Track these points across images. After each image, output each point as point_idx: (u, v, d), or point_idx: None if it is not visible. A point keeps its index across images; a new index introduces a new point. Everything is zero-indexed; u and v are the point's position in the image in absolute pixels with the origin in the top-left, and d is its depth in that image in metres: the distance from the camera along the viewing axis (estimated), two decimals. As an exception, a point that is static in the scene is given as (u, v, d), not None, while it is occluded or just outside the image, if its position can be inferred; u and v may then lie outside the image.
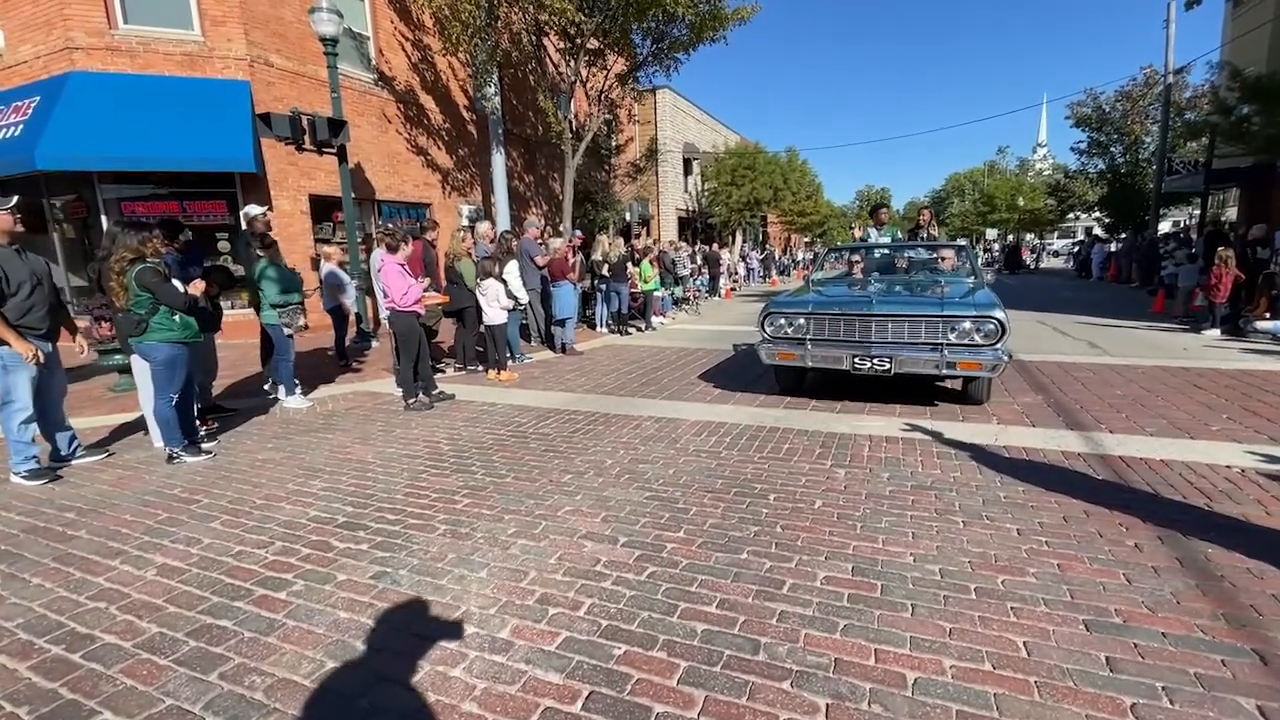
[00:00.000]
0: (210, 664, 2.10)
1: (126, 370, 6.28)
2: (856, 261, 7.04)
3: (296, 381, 6.29)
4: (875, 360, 4.71)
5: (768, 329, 5.30)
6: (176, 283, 4.22)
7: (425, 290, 5.86)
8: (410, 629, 2.27)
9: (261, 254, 5.57)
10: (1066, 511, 3.09)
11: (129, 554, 2.94)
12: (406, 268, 5.65)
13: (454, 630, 2.25)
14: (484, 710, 1.86)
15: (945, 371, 4.62)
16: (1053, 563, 2.60)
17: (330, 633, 2.27)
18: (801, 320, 5.16)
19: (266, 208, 6.30)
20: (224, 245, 9.96)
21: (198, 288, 4.37)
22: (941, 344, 4.65)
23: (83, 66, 8.89)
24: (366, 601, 2.47)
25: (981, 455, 3.95)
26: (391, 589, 2.56)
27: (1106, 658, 1.99)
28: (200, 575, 2.72)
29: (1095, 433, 4.33)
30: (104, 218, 9.46)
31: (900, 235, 8.38)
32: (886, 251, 7.42)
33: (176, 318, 4.17)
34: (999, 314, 4.57)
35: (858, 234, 8.94)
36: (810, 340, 5.07)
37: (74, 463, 4.30)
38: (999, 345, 4.58)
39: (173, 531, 3.18)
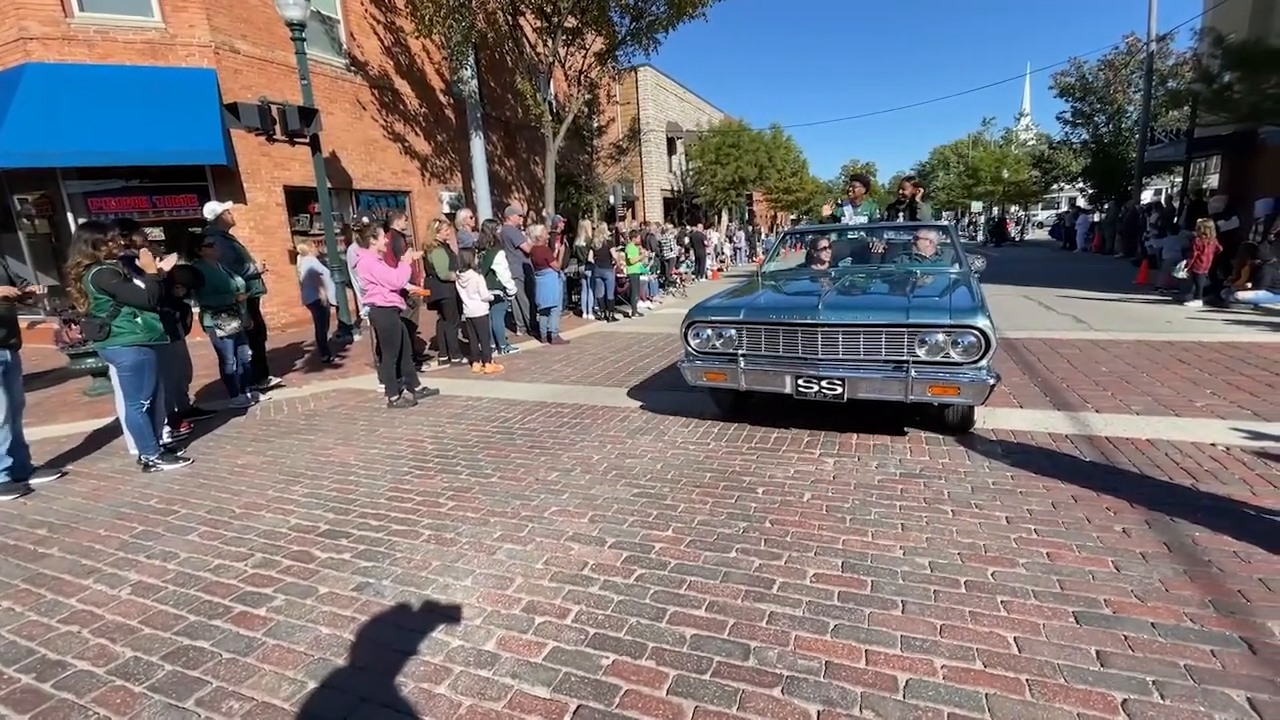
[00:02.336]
0: (187, 689, 2.04)
1: (100, 374, 6.14)
2: (824, 247, 5.80)
3: (267, 384, 6.20)
4: (824, 383, 3.80)
5: (692, 342, 4.31)
6: (138, 281, 4.06)
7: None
8: (394, 644, 2.22)
9: (199, 254, 5.36)
10: (1055, 497, 3.08)
11: (103, 572, 2.86)
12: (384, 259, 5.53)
13: (438, 644, 2.21)
14: (469, 730, 1.82)
15: (913, 398, 3.62)
16: (1042, 552, 2.59)
17: (311, 650, 2.21)
18: (733, 331, 4.15)
19: (228, 204, 6.13)
20: (197, 240, 9.70)
21: (149, 264, 4.16)
22: (907, 361, 3.67)
23: (39, 58, 8.52)
24: (349, 615, 2.41)
25: (969, 439, 3.95)
26: (375, 601, 2.50)
27: (1097, 651, 1.98)
28: (177, 593, 2.65)
29: (1082, 413, 4.34)
30: (70, 214, 9.17)
31: (879, 213, 6.97)
32: (860, 234, 6.17)
33: (139, 319, 4.03)
34: (981, 322, 3.53)
35: (827, 212, 7.28)
36: (744, 356, 4.08)
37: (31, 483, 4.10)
38: (982, 363, 3.58)
39: (149, 546, 3.09)
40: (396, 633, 2.29)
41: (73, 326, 5.82)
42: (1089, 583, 2.35)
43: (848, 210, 6.79)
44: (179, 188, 9.48)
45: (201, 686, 2.05)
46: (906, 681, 1.90)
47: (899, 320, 3.69)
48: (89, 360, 6.00)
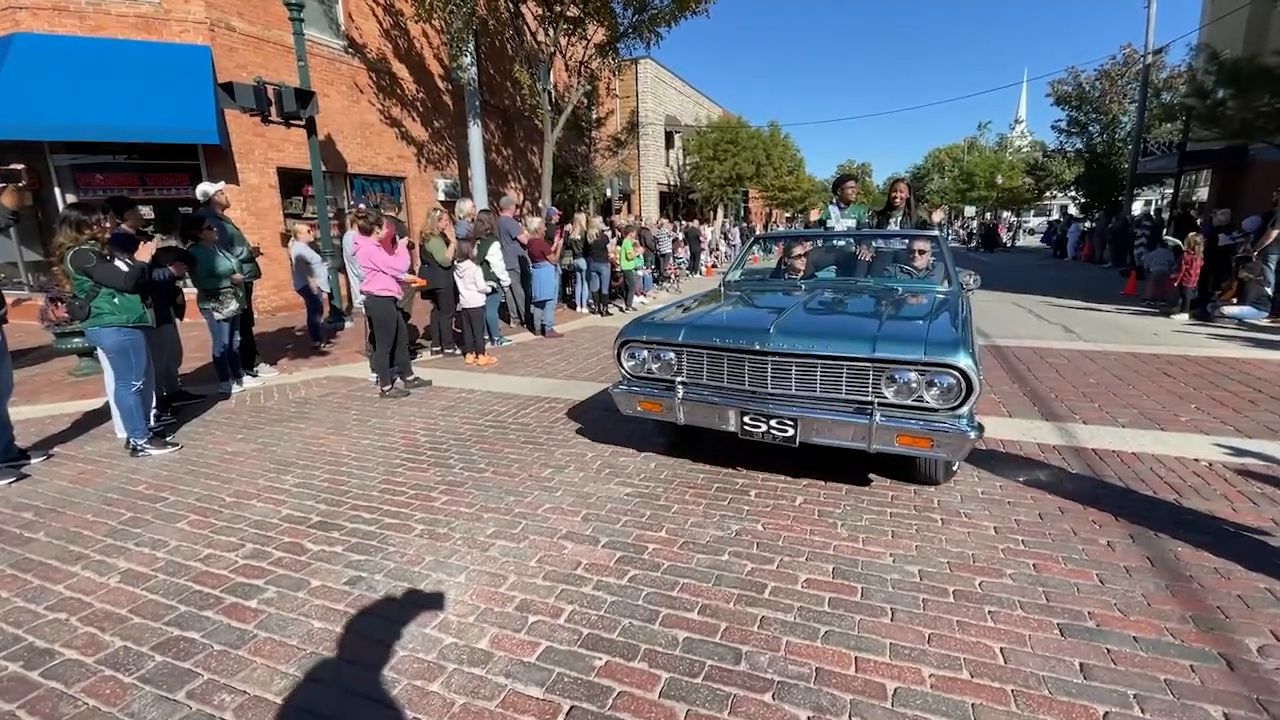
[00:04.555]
0: (178, 681, 2.04)
1: (86, 353, 6.05)
2: (799, 255, 5.14)
3: (257, 369, 6.14)
4: (773, 423, 3.17)
5: (626, 364, 3.70)
6: (120, 263, 3.99)
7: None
8: (386, 640, 2.23)
9: (193, 238, 5.29)
10: (1042, 508, 3.13)
11: (91, 559, 2.83)
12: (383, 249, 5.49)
13: (431, 641, 2.21)
14: (463, 729, 1.83)
15: (877, 447, 2.98)
16: (1029, 563, 2.63)
17: (303, 644, 2.21)
18: (671, 354, 3.52)
19: (220, 184, 6.04)
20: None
21: (146, 251, 4.14)
22: (871, 403, 3.04)
23: (28, 28, 8.34)
24: (341, 610, 2.41)
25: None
26: (367, 595, 2.50)
27: (1080, 664, 2.02)
28: (167, 582, 2.63)
29: (1070, 424, 4.40)
30: (58, 189, 9.01)
31: (867, 219, 6.26)
32: (844, 240, 5.55)
33: (117, 300, 3.96)
34: (962, 360, 2.85)
35: (814, 217, 6.61)
36: (683, 384, 3.46)
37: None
38: (963, 410, 2.93)
39: (137, 533, 3.07)
40: (389, 628, 2.29)
41: (59, 305, 5.72)
42: (1074, 595, 2.40)
43: (834, 212, 6.19)
44: (170, 166, 9.34)
45: (193, 679, 2.05)
46: (895, 690, 1.94)
47: (862, 353, 3.02)
48: (75, 340, 5.92)
